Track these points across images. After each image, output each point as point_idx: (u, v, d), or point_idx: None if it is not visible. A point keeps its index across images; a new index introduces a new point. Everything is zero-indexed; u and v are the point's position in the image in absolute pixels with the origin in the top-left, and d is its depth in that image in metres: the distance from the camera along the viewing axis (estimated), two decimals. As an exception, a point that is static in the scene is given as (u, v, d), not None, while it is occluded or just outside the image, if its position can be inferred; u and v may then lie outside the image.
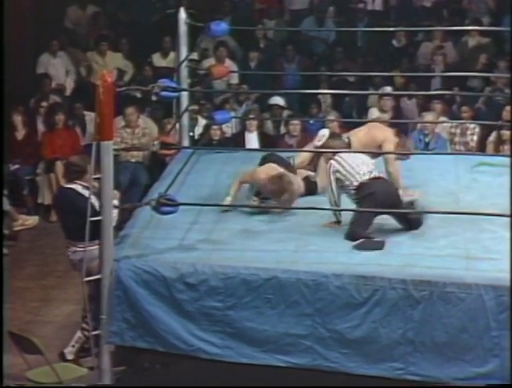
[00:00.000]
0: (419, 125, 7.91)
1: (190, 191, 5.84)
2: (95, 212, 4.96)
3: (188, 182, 6.06)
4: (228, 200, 5.55)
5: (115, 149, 5.07)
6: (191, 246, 5.10)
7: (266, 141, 8.04)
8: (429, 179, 6.23)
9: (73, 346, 5.14)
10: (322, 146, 5.67)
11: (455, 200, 5.80)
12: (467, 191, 6.00)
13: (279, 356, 4.83)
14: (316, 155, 5.93)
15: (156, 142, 5.53)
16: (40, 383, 4.76)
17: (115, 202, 5.10)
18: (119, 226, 5.34)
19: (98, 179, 4.95)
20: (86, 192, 5.12)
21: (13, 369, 5.10)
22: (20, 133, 8.21)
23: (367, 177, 5.20)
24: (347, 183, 5.23)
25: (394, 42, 10.01)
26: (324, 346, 4.78)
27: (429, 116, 8.01)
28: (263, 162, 5.78)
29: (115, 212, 5.06)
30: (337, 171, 5.25)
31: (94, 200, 5.02)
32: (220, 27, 6.49)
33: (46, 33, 9.48)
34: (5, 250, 6.96)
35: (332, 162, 5.28)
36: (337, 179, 5.25)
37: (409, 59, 9.64)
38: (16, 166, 7.87)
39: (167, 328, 4.88)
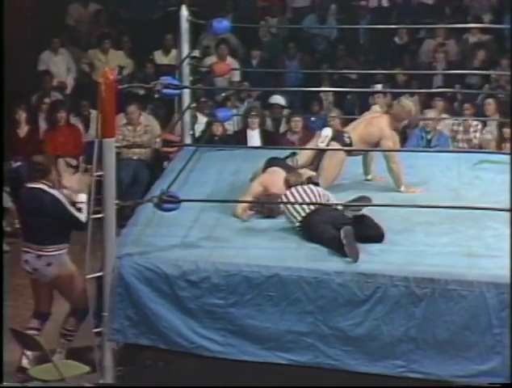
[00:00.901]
0: (421, 123, 7.90)
1: (192, 188, 5.84)
2: (64, 209, 4.94)
3: (190, 179, 6.06)
4: (242, 211, 5.43)
5: (116, 147, 5.07)
6: (193, 244, 5.11)
7: (268, 138, 8.04)
8: (431, 176, 6.23)
9: (60, 352, 5.08)
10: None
11: (457, 197, 5.79)
12: (470, 188, 6.00)
13: (280, 353, 4.84)
14: (319, 155, 5.92)
15: (158, 140, 5.53)
16: (42, 380, 4.76)
17: (83, 197, 5.05)
18: (122, 224, 5.35)
19: (100, 176, 4.96)
20: (52, 191, 5.05)
21: (13, 367, 5.11)
22: (22, 131, 8.21)
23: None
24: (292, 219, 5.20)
25: (396, 39, 10.00)
26: (326, 343, 4.79)
27: (430, 114, 8.00)
28: (267, 166, 5.76)
29: (84, 204, 5.03)
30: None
31: (61, 198, 5.01)
32: (222, 24, 6.49)
33: (47, 30, 9.47)
34: (6, 247, 6.96)
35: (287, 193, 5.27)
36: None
37: (411, 56, 9.63)
38: (18, 164, 7.86)
39: (169, 325, 4.89)
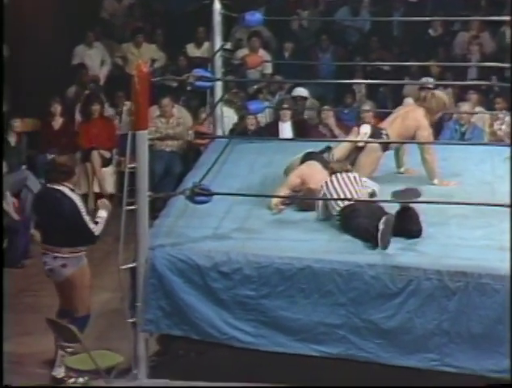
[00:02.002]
0: (455, 115, 7.83)
1: (224, 180, 5.85)
2: (80, 218, 4.90)
3: (222, 171, 6.07)
4: (275, 205, 5.44)
5: (149, 139, 5.10)
6: (225, 235, 5.12)
7: (300, 130, 8.02)
8: (465, 169, 6.17)
9: (60, 366, 5.01)
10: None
11: (491, 190, 5.74)
12: (503, 181, 5.93)
13: (312, 345, 4.84)
14: (355, 151, 5.88)
15: (190, 132, 5.54)
16: (78, 370, 4.81)
17: (104, 213, 5.04)
18: (155, 216, 5.39)
19: (133, 168, 4.99)
20: (72, 196, 5.00)
21: (49, 355, 5.18)
22: (57, 123, 8.30)
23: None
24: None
25: (430, 31, 9.91)
26: (358, 336, 4.78)
27: (464, 106, 7.93)
28: (304, 159, 5.75)
29: (102, 220, 5.00)
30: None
31: (79, 204, 4.97)
32: (255, 17, 6.49)
33: (82, 24, 9.56)
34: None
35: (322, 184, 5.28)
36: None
37: (445, 48, 9.54)
38: (53, 156, 7.95)
39: (201, 316, 4.91)
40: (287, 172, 5.78)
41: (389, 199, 5.06)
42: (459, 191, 5.63)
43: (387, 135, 5.86)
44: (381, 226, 4.80)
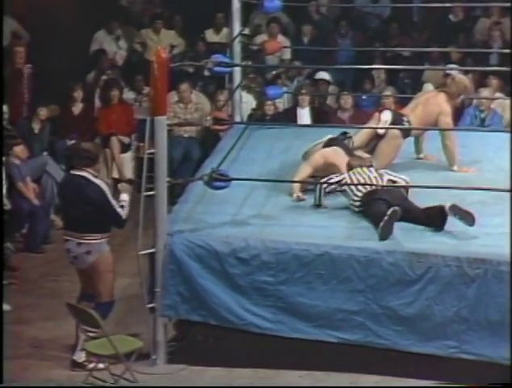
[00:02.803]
0: (475, 101, 7.77)
1: (242, 166, 5.85)
2: (108, 202, 4.90)
3: (240, 157, 6.08)
4: (295, 195, 5.44)
5: (168, 125, 5.10)
6: (243, 221, 5.13)
7: (319, 116, 7.99)
8: (483, 155, 6.13)
9: (81, 350, 5.01)
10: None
11: (510, 177, 5.69)
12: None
13: (331, 331, 4.84)
14: (375, 138, 5.85)
15: (208, 117, 5.54)
16: (98, 355, 4.84)
17: (126, 197, 5.03)
18: (173, 201, 5.40)
19: (151, 153, 5.00)
20: (97, 181, 4.99)
21: (70, 340, 5.22)
22: (77, 108, 8.31)
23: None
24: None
25: (451, 17, 9.81)
26: (376, 322, 4.78)
27: (484, 92, 7.85)
28: (327, 145, 5.72)
29: (126, 203, 4.99)
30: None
31: (106, 190, 4.97)
32: (274, 3, 6.47)
33: (101, 11, 9.56)
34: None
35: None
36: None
37: (465, 34, 9.45)
38: (72, 142, 7.98)
39: (220, 302, 4.93)
40: (305, 157, 5.76)
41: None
42: (477, 178, 5.59)
43: (408, 122, 5.81)
44: (386, 217, 4.79)
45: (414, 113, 5.89)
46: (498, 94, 8.04)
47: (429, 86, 8.30)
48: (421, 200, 5.20)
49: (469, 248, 4.76)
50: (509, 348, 4.57)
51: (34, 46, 8.62)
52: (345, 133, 5.91)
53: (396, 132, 5.77)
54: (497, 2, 9.37)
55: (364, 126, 6.03)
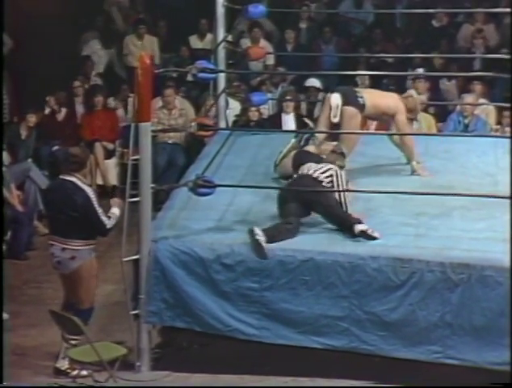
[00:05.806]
0: (458, 107, 7.81)
1: (227, 172, 5.85)
2: (93, 209, 4.89)
3: (225, 163, 6.07)
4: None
5: (152, 131, 5.09)
6: (228, 228, 5.13)
7: (303, 122, 8.01)
8: (468, 161, 6.16)
9: (64, 358, 4.99)
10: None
11: (494, 182, 5.73)
12: (506, 173, 5.91)
13: (315, 337, 4.85)
14: (333, 126, 5.75)
15: (193, 123, 5.54)
16: (81, 362, 4.82)
17: (117, 211, 5.02)
18: (158, 208, 5.39)
19: (136, 160, 4.99)
20: (84, 187, 4.98)
21: (53, 347, 5.19)
22: (60, 114, 8.29)
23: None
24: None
25: (434, 22, 9.86)
26: (361, 328, 4.79)
27: (468, 98, 7.90)
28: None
29: (115, 216, 4.99)
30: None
31: (92, 197, 4.95)
32: (258, 9, 6.49)
33: (86, 16, 9.55)
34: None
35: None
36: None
37: (448, 40, 9.50)
38: (56, 148, 7.95)
39: (204, 308, 4.93)
40: (277, 169, 5.77)
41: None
42: (462, 183, 5.62)
43: (362, 97, 5.80)
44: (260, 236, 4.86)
45: (371, 92, 5.94)
46: (482, 100, 8.09)
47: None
48: (405, 204, 5.22)
49: (453, 253, 4.78)
50: (509, 351, 4.58)
51: (17, 52, 8.60)
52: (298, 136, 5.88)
53: (352, 110, 5.74)
54: (480, 8, 9.45)
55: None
